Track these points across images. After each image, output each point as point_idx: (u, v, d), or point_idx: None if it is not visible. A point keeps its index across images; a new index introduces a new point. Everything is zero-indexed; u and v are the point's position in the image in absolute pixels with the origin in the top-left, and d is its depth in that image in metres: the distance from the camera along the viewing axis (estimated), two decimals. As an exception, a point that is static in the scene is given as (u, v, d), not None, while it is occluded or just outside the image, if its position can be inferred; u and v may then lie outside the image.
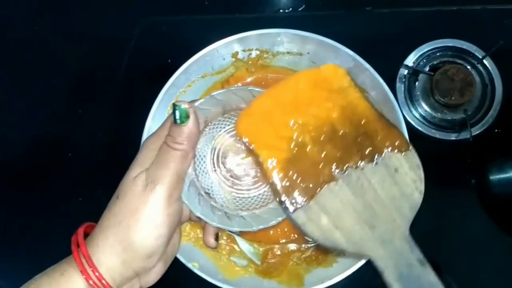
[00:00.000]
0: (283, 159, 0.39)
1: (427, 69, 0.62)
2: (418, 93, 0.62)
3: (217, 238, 0.46)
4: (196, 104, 0.42)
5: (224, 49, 0.54)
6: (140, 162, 0.40)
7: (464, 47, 0.62)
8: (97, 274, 0.37)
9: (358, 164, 0.39)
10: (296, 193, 0.39)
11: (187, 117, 0.39)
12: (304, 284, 0.52)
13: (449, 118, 0.61)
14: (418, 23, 0.66)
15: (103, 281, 0.37)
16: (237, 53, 0.55)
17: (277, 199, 0.39)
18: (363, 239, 0.39)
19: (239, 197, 0.44)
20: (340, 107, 0.41)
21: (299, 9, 0.66)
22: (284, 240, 0.54)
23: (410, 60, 0.63)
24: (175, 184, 0.39)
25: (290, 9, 0.66)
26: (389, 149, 0.40)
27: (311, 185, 0.39)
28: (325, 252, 0.54)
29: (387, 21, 0.66)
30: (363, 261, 0.49)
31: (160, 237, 0.39)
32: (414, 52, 0.63)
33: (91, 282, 0.37)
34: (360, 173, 0.39)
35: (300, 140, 0.40)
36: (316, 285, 0.50)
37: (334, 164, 0.39)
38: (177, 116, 0.39)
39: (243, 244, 0.55)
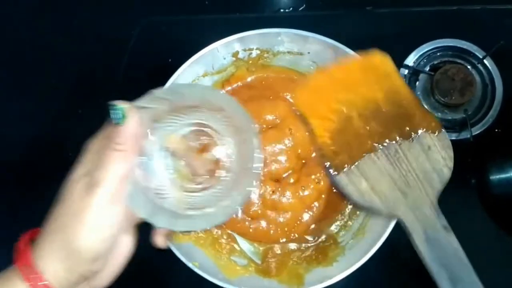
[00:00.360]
0: (333, 129, 0.46)
1: (427, 69, 0.62)
2: (418, 93, 0.62)
3: (170, 237, 0.45)
4: (138, 103, 0.40)
5: (225, 49, 0.54)
6: (81, 165, 0.39)
7: (465, 47, 0.63)
8: (41, 283, 0.36)
9: (396, 140, 0.46)
10: (340, 158, 0.45)
11: (125, 117, 0.38)
12: (304, 283, 0.52)
13: (450, 118, 0.61)
14: (418, 23, 0.66)
15: None
16: (237, 52, 0.55)
17: (324, 163, 0.45)
18: (396, 203, 0.45)
19: (192, 196, 0.43)
20: (385, 89, 0.47)
21: (300, 9, 0.66)
22: (284, 240, 0.54)
23: (410, 60, 0.63)
24: (117, 186, 0.37)
25: (291, 8, 0.66)
26: (424, 129, 0.46)
27: (354, 153, 0.45)
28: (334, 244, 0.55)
29: (387, 21, 0.66)
30: (362, 261, 0.49)
31: (104, 240, 0.37)
32: (415, 52, 0.63)
33: None
34: (398, 147, 0.46)
35: (348, 114, 0.46)
36: (316, 285, 0.50)
37: (376, 137, 0.46)
38: (114, 116, 0.38)
39: (243, 244, 0.55)
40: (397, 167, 0.46)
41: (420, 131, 0.46)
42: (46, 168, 0.64)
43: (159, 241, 0.43)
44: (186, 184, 0.43)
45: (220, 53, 0.54)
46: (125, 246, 0.41)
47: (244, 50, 0.55)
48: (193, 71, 0.54)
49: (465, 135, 0.60)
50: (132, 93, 0.64)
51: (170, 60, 0.64)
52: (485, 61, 0.62)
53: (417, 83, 0.62)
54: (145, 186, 0.41)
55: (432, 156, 0.46)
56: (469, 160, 0.61)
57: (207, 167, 0.43)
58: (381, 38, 0.64)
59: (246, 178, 0.41)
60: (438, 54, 0.63)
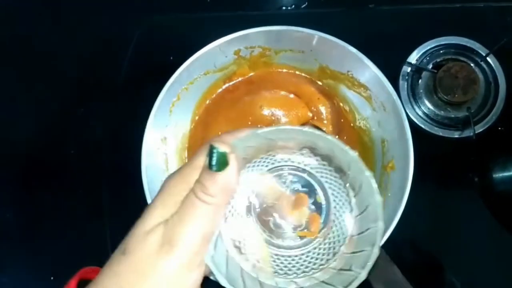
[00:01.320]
0: None
1: (430, 66, 0.62)
2: (421, 91, 0.62)
3: None
4: (236, 141, 0.32)
5: (226, 47, 0.54)
6: (157, 210, 0.32)
7: (468, 44, 0.62)
8: None
9: None
10: None
11: (226, 164, 0.31)
12: None
13: (452, 116, 0.61)
14: (421, 20, 0.65)
15: None
16: (239, 50, 0.55)
17: None
18: None
19: (277, 255, 0.35)
20: None
21: (302, 6, 0.66)
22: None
23: (413, 58, 0.62)
24: (199, 248, 0.30)
25: (293, 6, 0.66)
26: None
27: None
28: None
29: (390, 19, 0.65)
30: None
31: None
32: (417, 49, 0.62)
33: None
34: None
35: None
36: None
37: None
38: (214, 161, 0.30)
39: None
40: None
41: None
42: (48, 167, 0.64)
43: None
44: (271, 239, 0.35)
45: (221, 51, 0.54)
46: None
47: (246, 48, 0.55)
48: (195, 69, 0.54)
49: (467, 133, 0.60)
50: (134, 91, 0.64)
51: (171, 58, 0.64)
52: (488, 58, 0.61)
53: (420, 81, 0.62)
54: (226, 236, 0.34)
55: None
56: (472, 158, 0.61)
57: (301, 222, 0.35)
58: (384, 35, 0.64)
59: (361, 244, 0.33)
60: (441, 51, 0.62)
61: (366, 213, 0.33)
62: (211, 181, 0.30)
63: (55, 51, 0.67)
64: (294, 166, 0.36)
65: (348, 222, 0.34)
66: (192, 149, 0.58)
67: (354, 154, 0.32)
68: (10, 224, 0.63)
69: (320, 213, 0.35)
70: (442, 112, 0.61)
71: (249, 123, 0.57)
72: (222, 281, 0.32)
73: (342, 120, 0.57)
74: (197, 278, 0.31)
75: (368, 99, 0.54)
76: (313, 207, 0.35)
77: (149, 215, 0.32)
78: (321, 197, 0.36)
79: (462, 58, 0.62)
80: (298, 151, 0.36)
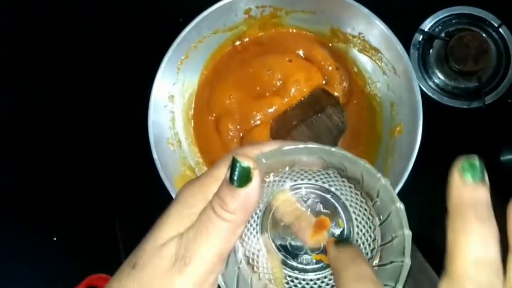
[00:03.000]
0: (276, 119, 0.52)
1: (442, 35, 0.61)
2: (432, 60, 0.61)
3: None
4: (260, 156, 0.30)
5: (237, 5, 0.53)
6: (172, 222, 0.30)
7: (481, 15, 0.61)
8: None
9: (311, 115, 0.56)
10: (280, 133, 0.57)
11: (249, 179, 0.28)
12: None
13: (463, 86, 0.60)
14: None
15: None
16: (250, 9, 0.54)
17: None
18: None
19: (291, 276, 0.33)
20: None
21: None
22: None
23: (425, 26, 0.62)
24: (213, 267, 0.28)
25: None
26: (328, 105, 0.55)
27: (288, 128, 0.57)
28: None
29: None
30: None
31: None
32: (430, 18, 0.62)
33: None
34: (312, 119, 0.56)
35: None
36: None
37: (300, 116, 0.56)
38: (236, 176, 0.28)
39: None
40: (312, 130, 0.55)
41: (326, 107, 0.55)
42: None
43: None
44: (286, 259, 0.33)
45: (232, 9, 0.53)
46: None
47: (257, 7, 0.54)
48: (204, 27, 0.54)
49: (476, 104, 0.59)
50: (142, 52, 0.64)
51: (181, 20, 0.63)
52: (500, 30, 0.60)
53: (431, 50, 0.61)
54: (239, 252, 0.32)
55: (332, 119, 0.55)
56: (480, 130, 0.61)
57: (320, 245, 0.33)
58: (397, 2, 0.62)
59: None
60: (454, 21, 0.62)
61: (391, 247, 0.31)
62: (231, 197, 0.28)
63: (58, 8, 0.66)
64: (318, 185, 0.34)
65: (371, 253, 0.33)
66: (197, 109, 0.57)
67: (385, 181, 0.30)
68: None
69: (340, 237, 0.33)
70: (452, 82, 0.60)
71: (258, 88, 0.57)
72: None
73: (353, 85, 0.56)
74: None
75: (378, 62, 0.53)
76: (333, 230, 0.33)
77: (163, 227, 0.29)
78: (343, 221, 0.33)
79: (474, 28, 0.61)
80: (324, 170, 0.33)
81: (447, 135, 0.60)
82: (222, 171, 0.29)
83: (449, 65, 0.59)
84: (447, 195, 0.26)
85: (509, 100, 0.60)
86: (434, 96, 0.60)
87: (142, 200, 0.60)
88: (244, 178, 0.28)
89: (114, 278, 0.30)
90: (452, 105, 0.60)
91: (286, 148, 0.30)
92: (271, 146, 0.31)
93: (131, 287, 0.28)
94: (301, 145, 0.30)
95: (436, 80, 0.61)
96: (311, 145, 0.30)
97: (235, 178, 0.28)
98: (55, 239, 0.63)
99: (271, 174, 0.33)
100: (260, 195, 0.29)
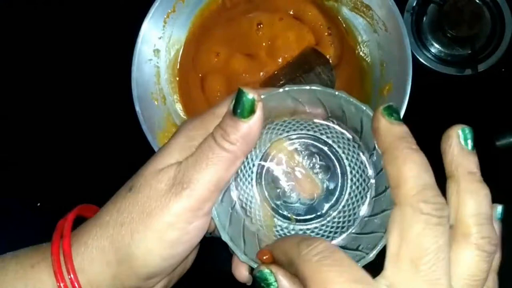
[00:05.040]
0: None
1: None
2: (426, 26, 0.60)
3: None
4: (263, 96, 0.30)
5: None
6: (172, 151, 0.30)
7: (476, -19, 0.60)
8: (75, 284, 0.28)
9: (300, 74, 0.52)
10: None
11: (252, 112, 0.28)
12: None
13: (456, 53, 0.59)
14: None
15: None
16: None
17: None
18: None
19: (281, 226, 0.33)
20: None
21: None
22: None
23: (419, -9, 0.60)
24: (209, 195, 0.29)
25: None
26: (317, 65, 0.53)
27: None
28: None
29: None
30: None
31: (170, 258, 0.29)
32: (424, -17, 0.61)
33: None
34: (301, 78, 0.52)
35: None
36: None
37: (288, 76, 0.52)
38: (239, 107, 0.28)
39: None
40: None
41: (315, 66, 0.52)
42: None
43: (241, 274, 0.32)
44: (278, 209, 0.33)
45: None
46: (187, 262, 0.34)
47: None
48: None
49: (469, 72, 0.58)
50: (128, 5, 0.61)
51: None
52: (496, -3, 0.59)
53: (425, 17, 0.60)
54: (234, 196, 0.33)
55: (321, 77, 0.52)
56: (473, 98, 0.60)
57: (313, 197, 0.33)
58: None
59: (372, 226, 0.31)
60: (448, -13, 0.60)
61: (384, 197, 0.31)
62: (233, 127, 0.28)
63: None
64: (316, 136, 0.34)
65: (363, 206, 0.33)
66: (183, 66, 0.56)
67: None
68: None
69: (334, 191, 0.33)
70: (446, 49, 0.59)
71: (246, 47, 0.55)
72: (224, 235, 0.30)
73: (344, 46, 0.55)
74: (201, 228, 0.29)
75: (370, 19, 0.52)
76: (327, 182, 0.33)
77: (163, 156, 0.30)
78: (338, 173, 0.33)
79: (469, -5, 0.60)
80: (324, 121, 0.33)
81: (438, 101, 0.59)
82: (224, 110, 0.30)
83: (442, 31, 0.58)
84: (375, 138, 0.28)
85: (503, 69, 0.59)
86: (427, 63, 0.59)
87: (125, 157, 0.59)
88: (248, 109, 0.28)
89: (110, 201, 0.30)
90: (445, 72, 0.59)
91: (288, 88, 0.30)
92: (274, 90, 0.31)
93: (126, 208, 0.29)
94: (306, 87, 0.30)
95: (430, 47, 0.60)
96: (315, 87, 0.31)
97: (239, 109, 0.28)
98: (38, 204, 0.61)
99: (274, 122, 0.33)
100: (261, 130, 0.29)
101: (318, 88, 0.30)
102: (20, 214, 0.62)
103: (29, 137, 0.62)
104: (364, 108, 0.30)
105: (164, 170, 0.29)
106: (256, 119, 0.28)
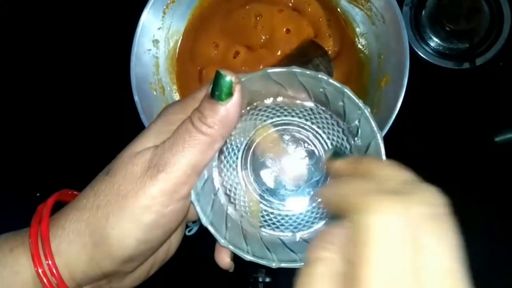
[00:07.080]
0: None
1: (435, -6, 0.60)
2: (424, 20, 0.60)
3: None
4: (244, 79, 0.30)
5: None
6: (150, 135, 0.30)
7: (475, -25, 0.60)
8: (53, 270, 0.28)
9: None
10: None
11: (230, 94, 0.28)
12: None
13: (454, 47, 0.59)
14: None
15: (56, 275, 0.28)
16: None
17: None
18: None
19: (266, 211, 0.33)
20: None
21: None
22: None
23: (418, -15, 0.61)
24: (186, 178, 0.28)
25: None
26: (315, 57, 0.52)
27: None
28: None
29: None
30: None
31: (146, 242, 0.29)
32: (423, -23, 0.61)
33: (40, 271, 0.28)
34: None
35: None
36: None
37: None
38: (217, 90, 0.28)
39: None
40: None
41: (313, 58, 0.52)
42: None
43: (223, 261, 0.32)
44: (264, 195, 0.33)
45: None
46: (170, 247, 0.34)
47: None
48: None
49: (467, 65, 0.58)
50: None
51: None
52: (495, -9, 0.60)
53: (423, 11, 0.60)
54: (217, 182, 0.33)
55: (320, 69, 0.51)
56: (471, 91, 0.60)
57: (298, 183, 0.33)
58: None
59: None
60: (447, -20, 0.61)
61: None
62: (210, 111, 0.28)
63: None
64: (301, 122, 0.33)
65: None
66: (182, 58, 0.56)
67: (365, 109, 0.30)
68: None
69: (319, 176, 0.33)
70: (444, 42, 0.59)
71: (245, 39, 0.55)
72: (205, 220, 0.30)
73: (344, 39, 0.55)
74: (178, 212, 0.29)
75: (368, 11, 0.52)
76: (313, 168, 0.33)
77: (140, 139, 0.30)
78: (323, 160, 0.33)
79: (468, -12, 0.60)
80: (308, 106, 0.33)
81: (436, 95, 0.60)
82: (205, 93, 0.29)
83: (441, 25, 0.58)
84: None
85: (500, 63, 0.59)
86: (425, 56, 0.59)
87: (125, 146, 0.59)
88: (226, 92, 0.28)
89: (89, 185, 0.30)
90: (443, 66, 0.59)
91: (270, 70, 0.30)
92: (256, 73, 0.31)
93: (103, 192, 0.29)
94: (285, 68, 0.30)
95: (428, 41, 0.60)
96: (294, 69, 0.30)
97: (217, 91, 0.28)
98: (38, 194, 0.62)
99: (257, 108, 0.33)
100: (239, 113, 0.29)
101: (297, 70, 0.30)
102: (20, 204, 0.63)
103: (28, 127, 0.62)
104: (345, 89, 0.30)
105: (141, 153, 0.29)
106: (234, 102, 0.28)
